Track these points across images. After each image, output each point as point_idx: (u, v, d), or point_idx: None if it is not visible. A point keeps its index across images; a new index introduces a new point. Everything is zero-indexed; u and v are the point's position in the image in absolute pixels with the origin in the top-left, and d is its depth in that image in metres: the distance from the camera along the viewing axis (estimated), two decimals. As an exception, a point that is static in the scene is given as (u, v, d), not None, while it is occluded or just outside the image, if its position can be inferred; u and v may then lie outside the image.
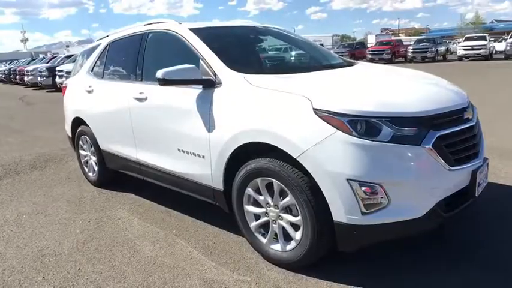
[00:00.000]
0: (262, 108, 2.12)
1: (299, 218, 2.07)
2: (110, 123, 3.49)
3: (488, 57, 21.97)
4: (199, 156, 2.54)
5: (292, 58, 3.23)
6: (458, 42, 27.41)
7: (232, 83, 2.34)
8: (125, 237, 2.85)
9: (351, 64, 2.99)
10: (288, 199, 2.09)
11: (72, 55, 18.78)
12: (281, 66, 2.96)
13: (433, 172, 1.91)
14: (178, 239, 2.75)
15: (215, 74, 2.44)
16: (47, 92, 16.64)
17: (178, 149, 2.70)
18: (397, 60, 25.51)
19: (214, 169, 2.45)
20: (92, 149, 3.94)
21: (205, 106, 2.43)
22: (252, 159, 2.24)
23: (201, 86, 2.50)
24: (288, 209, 2.17)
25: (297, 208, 2.08)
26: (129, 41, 3.43)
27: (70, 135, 4.32)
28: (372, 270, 2.18)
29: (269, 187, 2.21)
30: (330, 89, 2.14)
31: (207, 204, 2.99)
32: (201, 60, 2.55)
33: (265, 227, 2.34)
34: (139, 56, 3.17)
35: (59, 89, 15.18)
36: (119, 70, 3.53)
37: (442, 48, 25.42)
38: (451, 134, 2.01)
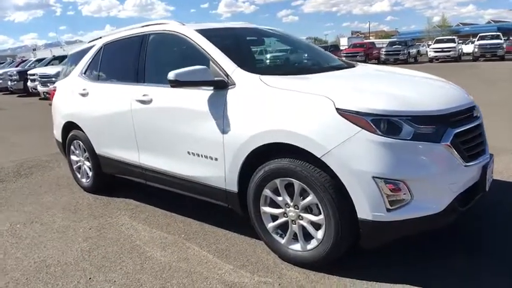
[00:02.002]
0: (283, 109, 2.13)
1: (321, 217, 2.08)
2: (107, 126, 3.38)
3: (458, 59, 22.98)
4: (211, 158, 2.51)
5: (298, 59, 3.25)
6: (429, 45, 28.48)
7: (248, 84, 2.33)
8: (132, 243, 2.76)
9: (352, 65, 3.05)
10: (310, 198, 2.10)
11: (44, 59, 18.10)
12: (291, 68, 2.96)
13: (452, 168, 1.98)
14: (188, 243, 2.70)
15: (227, 75, 2.42)
16: (18, 96, 15.93)
17: (188, 152, 2.66)
18: (371, 62, 26.22)
19: (228, 171, 2.43)
20: (86, 154, 3.81)
21: (218, 108, 2.41)
22: (268, 160, 2.24)
23: (211, 88, 2.47)
24: (308, 209, 2.18)
25: (318, 207, 2.10)
26: (127, 42, 3.34)
27: (60, 140, 4.15)
28: (390, 264, 2.22)
29: (287, 187, 2.22)
30: (350, 90, 2.17)
31: (211, 208, 3.00)
32: (210, 62, 2.53)
33: (282, 228, 2.34)
34: (140, 58, 3.10)
35: (30, 94, 14.58)
36: (117, 72, 3.43)
37: (413, 51, 26.34)
38: (464, 132, 2.09)
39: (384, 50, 25.74)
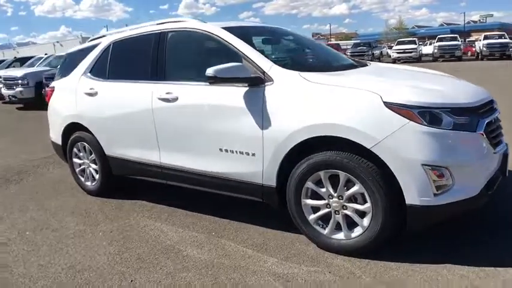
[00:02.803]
0: (330, 103, 2.20)
1: (368, 205, 2.18)
2: (121, 126, 3.28)
3: (419, 59, 24.28)
4: (247, 154, 2.53)
5: (320, 58, 3.32)
6: (390, 47, 29.85)
7: (288, 81, 2.38)
8: (163, 244, 2.71)
9: (365, 64, 3.18)
10: (357, 188, 2.19)
11: (4, 60, 17.04)
12: (319, 65, 3.03)
13: (486, 155, 2.15)
14: (223, 240, 2.70)
15: (263, 72, 2.46)
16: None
17: (220, 149, 2.66)
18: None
19: (267, 166, 2.46)
20: (92, 156, 3.67)
21: (256, 104, 2.43)
22: (310, 153, 2.30)
23: (246, 84, 2.50)
24: (352, 199, 2.27)
25: (363, 196, 2.20)
26: (141, 40, 3.26)
27: (60, 143, 3.96)
28: (429, 248, 2.35)
29: (329, 179, 2.30)
30: (392, 84, 2.29)
31: (230, 204, 3.08)
32: (244, 59, 2.55)
33: (322, 219, 2.41)
34: (158, 56, 3.04)
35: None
36: (130, 70, 3.33)
37: (377, 52, 27.49)
38: (491, 122, 2.27)
39: (349, 51, 26.61)
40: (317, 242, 2.43)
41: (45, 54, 15.30)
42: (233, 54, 2.62)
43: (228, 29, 2.77)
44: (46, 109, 4.21)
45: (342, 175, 2.22)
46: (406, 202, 2.06)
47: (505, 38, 20.85)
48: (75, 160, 3.88)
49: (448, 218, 2.23)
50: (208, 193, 3.05)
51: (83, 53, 3.84)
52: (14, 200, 3.85)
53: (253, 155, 2.50)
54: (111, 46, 3.50)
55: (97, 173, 3.70)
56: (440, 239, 2.45)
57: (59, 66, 4.28)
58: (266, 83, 2.44)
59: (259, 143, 2.45)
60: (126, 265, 2.47)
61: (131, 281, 2.29)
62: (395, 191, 2.09)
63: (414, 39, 26.87)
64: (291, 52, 3.04)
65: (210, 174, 2.79)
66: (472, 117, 2.14)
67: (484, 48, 20.67)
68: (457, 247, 2.35)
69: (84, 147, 3.74)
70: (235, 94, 2.53)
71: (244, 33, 2.79)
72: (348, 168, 2.16)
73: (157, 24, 3.26)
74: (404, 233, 2.25)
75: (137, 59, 3.32)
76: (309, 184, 2.35)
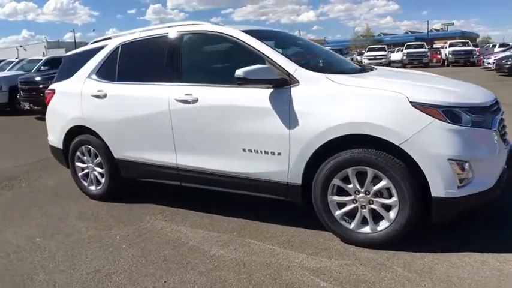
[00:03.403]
0: (359, 104, 2.32)
1: (394, 199, 2.30)
2: (132, 128, 3.24)
3: (388, 65, 25.30)
4: (273, 153, 2.60)
5: (333, 61, 3.42)
6: (361, 53, 30.87)
7: (315, 82, 2.47)
8: (187, 245, 2.71)
9: (373, 68, 3.34)
10: (384, 183, 2.30)
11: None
12: (338, 68, 3.12)
13: (499, 150, 2.34)
14: (246, 239, 2.73)
15: (288, 74, 2.54)
16: None
17: (244, 149, 2.70)
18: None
19: (293, 164, 2.53)
20: (98, 159, 3.59)
21: (282, 104, 2.51)
22: (335, 152, 2.41)
23: (270, 86, 2.57)
24: (378, 193, 2.39)
25: (389, 191, 2.32)
26: (154, 42, 3.25)
27: (61, 147, 3.83)
28: (450, 238, 2.50)
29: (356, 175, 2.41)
30: (414, 86, 2.44)
31: (243, 203, 3.17)
32: (267, 62, 2.62)
33: (347, 214, 2.51)
34: (174, 58, 3.05)
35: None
36: (143, 72, 3.30)
37: (348, 58, 28.36)
38: (501, 120, 2.48)
39: (322, 57, 27.29)
40: (342, 237, 2.52)
41: (16, 58, 14.62)
42: (255, 57, 2.68)
43: (248, 32, 2.83)
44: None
45: (370, 171, 2.33)
46: (432, 195, 2.20)
47: (468, 46, 22.20)
48: (78, 164, 3.78)
49: (468, 209, 2.40)
50: (216, 194, 3.10)
51: (86, 55, 3.76)
52: (12, 207, 3.69)
53: (279, 154, 2.57)
54: (120, 48, 3.46)
55: (102, 177, 3.63)
56: (453, 232, 2.62)
57: (58, 69, 4.13)
58: (291, 85, 2.52)
59: (285, 143, 2.52)
60: (154, 267, 2.45)
61: (164, 281, 2.28)
62: (421, 184, 2.22)
63: (384, 46, 28.01)
64: (306, 55, 3.14)
65: (231, 175, 2.83)
66: (486, 115, 2.32)
67: (450, 55, 21.91)
68: (472, 238, 2.52)
69: (89, 151, 3.65)
70: (259, 95, 2.59)
71: (263, 37, 2.86)
72: (377, 164, 2.28)
73: (169, 27, 3.27)
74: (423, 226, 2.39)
75: (150, 61, 3.30)
76: (336, 181, 2.44)
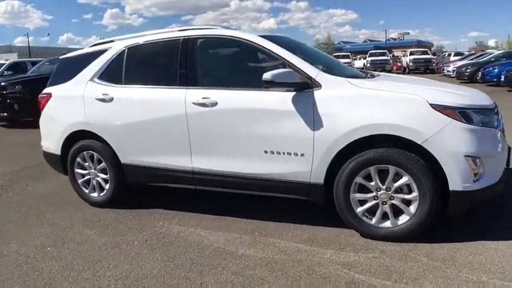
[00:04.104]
0: (382, 106, 2.48)
1: (414, 194, 2.47)
2: (145, 132, 3.20)
3: (354, 72, 26.32)
4: (296, 154, 2.69)
5: (341, 66, 3.57)
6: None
7: (337, 86, 2.61)
8: (211, 247, 2.71)
9: (378, 74, 3.52)
10: (405, 179, 2.46)
11: None
12: (349, 72, 3.25)
13: (503, 147, 2.59)
14: (269, 238, 2.79)
15: (310, 78, 2.65)
16: None
17: (265, 151, 2.77)
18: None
19: (317, 165, 2.63)
20: (102, 165, 3.49)
21: (306, 107, 2.61)
22: (356, 152, 2.55)
23: (292, 89, 2.67)
24: (398, 190, 2.55)
25: (409, 187, 2.49)
26: (164, 46, 3.24)
27: (58, 153, 3.68)
28: (465, 228, 2.71)
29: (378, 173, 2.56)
30: (430, 90, 2.64)
31: (253, 204, 3.27)
32: (287, 66, 2.72)
33: (368, 211, 2.65)
34: (188, 61, 3.06)
35: None
36: (153, 75, 3.27)
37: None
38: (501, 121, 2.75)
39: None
40: (364, 232, 2.66)
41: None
42: (276, 62, 2.78)
43: (267, 37, 2.92)
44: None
45: (392, 169, 2.49)
46: (450, 189, 2.40)
47: (428, 54, 23.70)
48: (78, 171, 3.65)
49: (480, 202, 2.62)
50: (224, 197, 3.18)
51: (86, 58, 3.65)
52: (6, 218, 3.49)
53: (302, 155, 2.67)
54: (126, 51, 3.40)
55: (106, 183, 3.53)
56: (459, 224, 2.84)
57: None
58: (313, 88, 2.64)
59: (309, 144, 2.62)
60: (185, 270, 2.44)
61: (200, 283, 2.29)
62: (439, 180, 2.41)
63: (348, 53, 29.15)
64: (318, 60, 3.26)
65: (251, 176, 2.88)
66: (492, 116, 2.57)
67: (411, 63, 23.27)
68: (479, 229, 2.74)
69: (92, 156, 3.54)
70: (282, 98, 2.68)
71: (280, 42, 2.95)
72: (399, 162, 2.44)
73: (180, 30, 3.28)
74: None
75: (161, 65, 3.28)
76: (358, 179, 2.58)
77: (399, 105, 2.47)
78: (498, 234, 2.60)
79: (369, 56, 26.19)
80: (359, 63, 29.70)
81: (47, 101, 3.74)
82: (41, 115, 3.85)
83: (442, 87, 2.83)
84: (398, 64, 27.77)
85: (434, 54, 26.95)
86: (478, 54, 19.27)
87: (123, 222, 3.27)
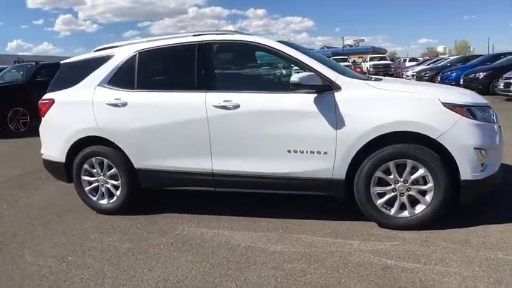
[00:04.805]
0: (400, 105, 2.71)
1: (430, 185, 2.71)
2: (162, 136, 3.20)
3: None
4: (319, 153, 2.84)
5: (345, 70, 3.79)
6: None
7: (356, 88, 2.81)
8: (241, 245, 2.78)
9: (382, 78, 3.80)
10: (422, 172, 2.70)
11: None
12: (357, 75, 3.48)
13: (501, 141, 2.92)
14: (295, 235, 2.90)
15: (330, 81, 2.84)
16: None
17: (289, 150, 2.90)
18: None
19: (339, 162, 2.81)
20: (113, 171, 3.44)
21: (328, 108, 2.78)
22: (377, 148, 2.76)
23: (314, 91, 2.84)
24: (415, 181, 2.78)
25: (424, 178, 2.74)
26: (178, 50, 3.27)
27: (63, 161, 3.56)
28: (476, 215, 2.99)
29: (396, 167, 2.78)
30: (439, 90, 2.92)
31: (266, 203, 3.41)
32: (307, 70, 2.88)
33: (386, 202, 2.86)
34: (206, 65, 3.13)
35: None
36: (168, 80, 3.29)
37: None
38: (495, 117, 3.09)
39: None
40: (384, 223, 2.86)
41: None
42: (296, 66, 2.93)
43: (285, 43, 3.07)
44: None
45: (410, 163, 2.72)
46: (462, 178, 2.66)
47: (386, 60, 25.15)
48: (85, 178, 3.56)
49: (486, 190, 2.91)
50: (234, 196, 3.31)
51: (91, 63, 3.59)
52: (11, 230, 3.33)
53: (325, 153, 2.83)
54: (138, 56, 3.39)
55: (117, 190, 3.48)
56: (462, 212, 3.13)
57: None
58: (334, 90, 2.82)
59: (332, 142, 2.79)
60: (223, 268, 2.50)
61: (244, 279, 2.36)
62: (451, 171, 2.68)
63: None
64: (329, 64, 3.45)
65: (274, 175, 2.99)
66: (490, 112, 2.89)
67: (371, 69, 24.55)
68: (479, 217, 3.05)
69: (101, 163, 3.48)
70: (304, 100, 2.83)
71: (296, 48, 3.11)
72: (416, 156, 2.68)
73: (194, 35, 3.33)
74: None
75: (176, 69, 3.31)
76: (378, 173, 2.78)
77: (416, 104, 2.71)
78: (499, 220, 2.91)
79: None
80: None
81: (49, 107, 3.62)
82: (42, 122, 3.71)
83: (444, 88, 3.14)
84: (358, 69, 29.10)
85: (392, 59, 28.58)
86: (433, 60, 20.76)
87: (141, 227, 3.24)
